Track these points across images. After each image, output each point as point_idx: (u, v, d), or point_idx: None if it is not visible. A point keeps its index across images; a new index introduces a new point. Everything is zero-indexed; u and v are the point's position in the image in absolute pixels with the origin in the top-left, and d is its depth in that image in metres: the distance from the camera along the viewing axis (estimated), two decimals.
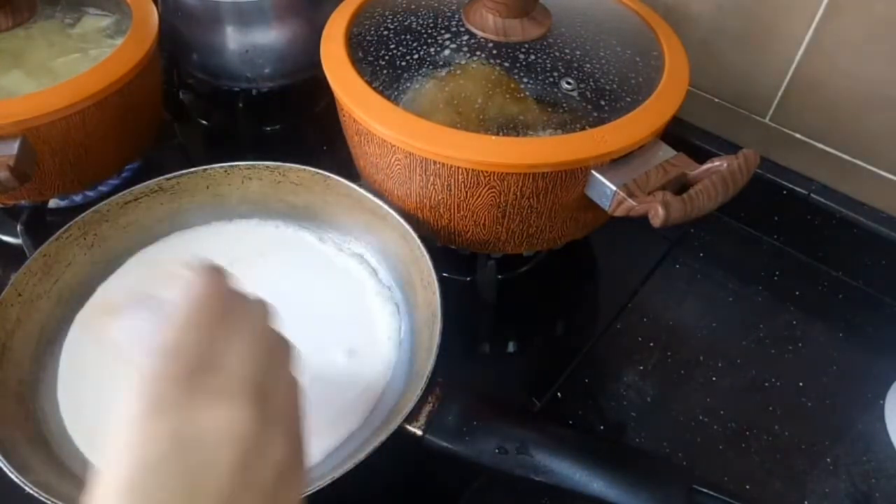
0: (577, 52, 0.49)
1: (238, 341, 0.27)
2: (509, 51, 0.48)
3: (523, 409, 0.49)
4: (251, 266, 0.52)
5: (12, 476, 0.37)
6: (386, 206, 0.50)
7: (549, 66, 0.48)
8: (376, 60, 0.49)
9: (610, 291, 0.59)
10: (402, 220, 0.49)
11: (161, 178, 0.52)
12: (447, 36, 0.49)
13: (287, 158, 0.53)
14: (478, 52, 0.48)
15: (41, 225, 0.56)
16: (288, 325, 0.48)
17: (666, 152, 0.46)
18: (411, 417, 0.40)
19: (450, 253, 0.53)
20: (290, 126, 0.71)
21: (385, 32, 0.50)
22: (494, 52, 0.48)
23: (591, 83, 0.47)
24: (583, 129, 0.45)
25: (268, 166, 0.53)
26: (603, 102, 0.46)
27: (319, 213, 0.54)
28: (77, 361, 0.47)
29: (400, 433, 0.40)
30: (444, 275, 0.55)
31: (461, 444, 0.40)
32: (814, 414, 0.50)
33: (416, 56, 0.48)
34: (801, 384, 0.51)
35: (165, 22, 0.60)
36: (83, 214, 0.50)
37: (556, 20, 0.50)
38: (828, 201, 0.58)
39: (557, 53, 0.48)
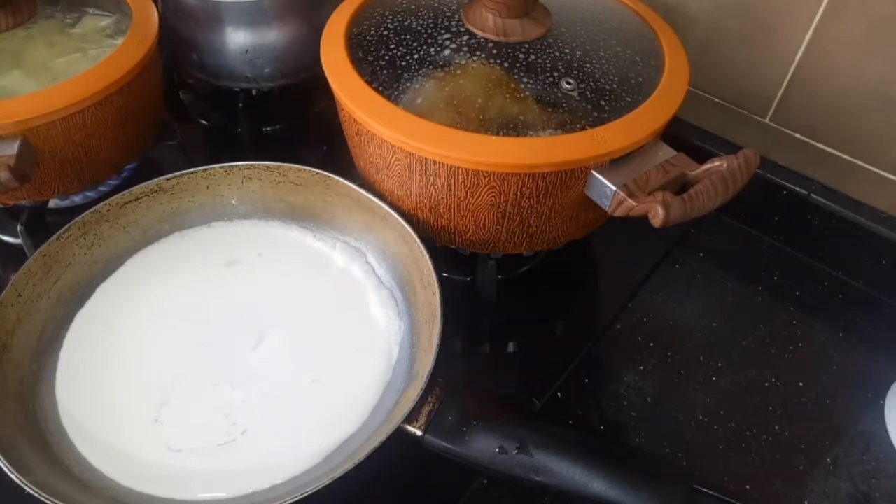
0: (577, 52, 0.49)
1: None
2: (509, 51, 0.48)
3: (523, 409, 0.49)
4: (251, 266, 0.52)
5: (12, 476, 0.37)
6: (386, 206, 0.50)
7: (549, 66, 0.47)
8: (376, 60, 0.49)
9: (610, 291, 0.59)
10: (402, 220, 0.49)
11: (161, 178, 0.52)
12: (447, 36, 0.49)
13: (287, 158, 0.53)
14: (478, 52, 0.48)
15: (41, 225, 0.56)
16: (288, 326, 0.48)
17: (666, 152, 0.46)
18: (411, 417, 0.40)
19: (450, 253, 0.53)
20: (290, 126, 0.71)
21: (385, 32, 0.50)
22: (494, 52, 0.48)
23: (591, 83, 0.47)
24: (583, 129, 0.45)
25: (268, 166, 0.53)
26: (603, 102, 0.46)
27: (319, 213, 0.54)
28: (77, 361, 0.47)
29: (400, 433, 0.40)
30: (444, 275, 0.55)
31: (461, 444, 0.40)
32: (814, 414, 0.50)
33: (416, 56, 0.48)
34: (801, 384, 0.51)
35: (165, 22, 0.60)
36: (83, 214, 0.50)
37: (556, 20, 0.50)
38: (828, 201, 0.58)
39: (557, 53, 0.48)
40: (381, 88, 0.47)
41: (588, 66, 0.48)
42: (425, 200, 0.48)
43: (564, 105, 0.46)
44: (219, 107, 0.73)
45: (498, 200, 0.45)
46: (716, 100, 0.63)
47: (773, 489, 0.46)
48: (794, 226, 0.60)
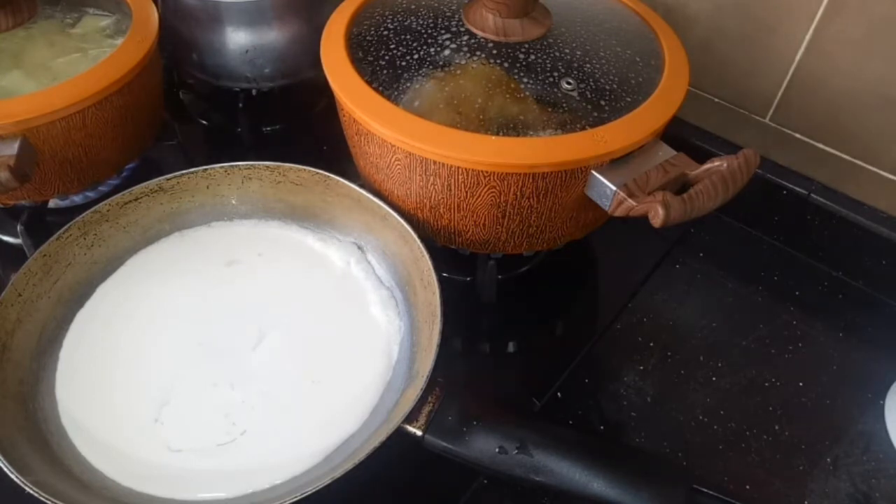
0: (577, 52, 0.49)
1: None
2: (509, 51, 0.48)
3: (523, 409, 0.49)
4: (251, 266, 0.52)
5: (12, 476, 0.37)
6: (386, 206, 0.50)
7: (549, 66, 0.47)
8: (376, 60, 0.49)
9: (610, 291, 0.59)
10: (402, 220, 0.49)
11: (161, 178, 0.52)
12: (447, 36, 0.49)
13: (287, 158, 0.53)
14: (478, 52, 0.48)
15: (41, 225, 0.56)
16: (287, 326, 0.48)
17: (666, 152, 0.46)
18: (411, 417, 0.40)
19: (450, 253, 0.53)
20: (290, 126, 0.71)
21: (385, 32, 0.50)
22: (494, 52, 0.48)
23: (591, 83, 0.47)
24: (583, 129, 0.45)
25: (268, 166, 0.53)
26: (603, 102, 0.46)
27: (319, 213, 0.54)
28: (77, 361, 0.47)
29: (400, 433, 0.40)
30: (444, 275, 0.55)
31: (461, 444, 0.40)
32: (814, 414, 0.50)
33: (416, 56, 0.48)
34: (801, 384, 0.51)
35: (165, 22, 0.60)
36: (83, 214, 0.50)
37: (556, 20, 0.50)
38: (828, 201, 0.58)
39: (557, 53, 0.48)
40: (381, 88, 0.47)
41: (588, 66, 0.48)
42: (425, 200, 0.48)
43: (564, 105, 0.46)
44: (219, 107, 0.73)
45: (498, 200, 0.45)
46: (716, 100, 0.63)
47: (773, 489, 0.46)
48: (794, 226, 0.60)
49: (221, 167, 0.53)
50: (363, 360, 0.47)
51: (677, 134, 0.49)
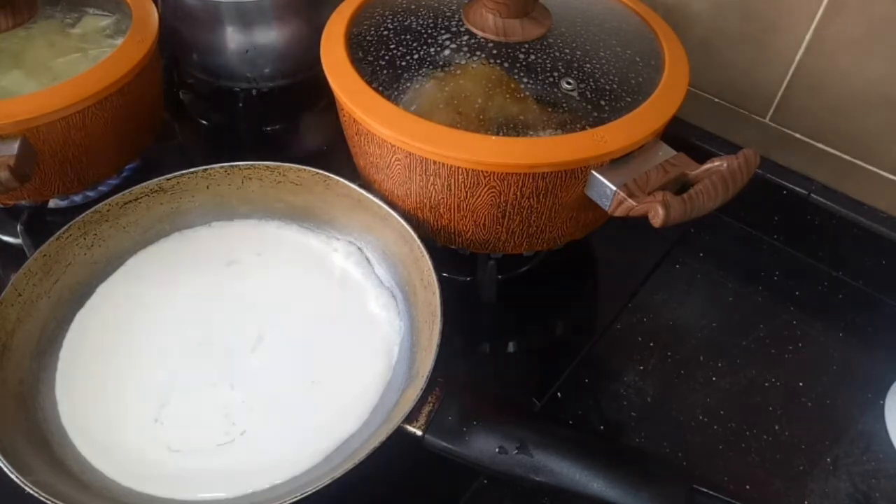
0: (577, 52, 0.49)
1: None
2: (509, 51, 0.48)
3: (523, 409, 0.49)
4: (251, 266, 0.52)
5: (12, 476, 0.37)
6: (386, 206, 0.50)
7: (549, 66, 0.48)
8: (376, 60, 0.49)
9: (610, 291, 0.59)
10: (402, 220, 0.49)
11: (161, 178, 0.52)
12: (447, 36, 0.49)
13: (287, 158, 0.53)
14: (478, 52, 0.48)
15: (41, 225, 0.56)
16: (287, 326, 0.48)
17: (666, 152, 0.46)
18: (411, 417, 0.40)
19: (450, 253, 0.53)
20: (290, 126, 0.71)
21: (385, 32, 0.50)
22: (494, 52, 0.48)
23: (591, 83, 0.47)
24: (583, 129, 0.45)
25: (268, 166, 0.53)
26: (603, 102, 0.46)
27: (319, 213, 0.54)
28: (77, 361, 0.47)
29: (400, 433, 0.40)
30: (444, 275, 0.55)
31: (461, 444, 0.40)
32: (814, 414, 0.50)
33: (416, 56, 0.48)
34: (801, 384, 0.51)
35: (165, 22, 0.60)
36: (83, 214, 0.50)
37: (556, 20, 0.50)
38: (828, 201, 0.58)
39: (557, 53, 0.48)
40: (381, 88, 0.47)
41: (588, 66, 0.48)
42: (425, 200, 0.48)
43: (564, 105, 0.46)
44: (219, 107, 0.73)
45: (498, 200, 0.45)
46: (716, 100, 0.63)
47: (773, 489, 0.46)
48: (794, 226, 0.60)
49: (221, 167, 0.53)
50: (363, 360, 0.47)
51: (677, 134, 0.49)
